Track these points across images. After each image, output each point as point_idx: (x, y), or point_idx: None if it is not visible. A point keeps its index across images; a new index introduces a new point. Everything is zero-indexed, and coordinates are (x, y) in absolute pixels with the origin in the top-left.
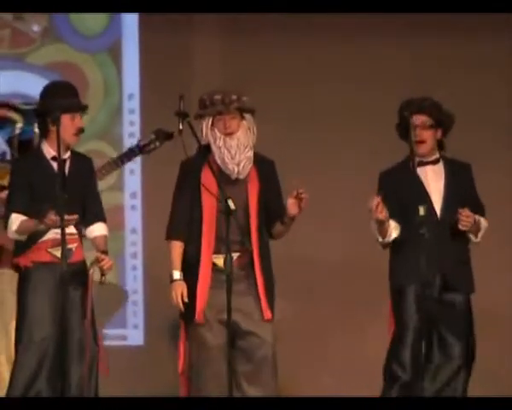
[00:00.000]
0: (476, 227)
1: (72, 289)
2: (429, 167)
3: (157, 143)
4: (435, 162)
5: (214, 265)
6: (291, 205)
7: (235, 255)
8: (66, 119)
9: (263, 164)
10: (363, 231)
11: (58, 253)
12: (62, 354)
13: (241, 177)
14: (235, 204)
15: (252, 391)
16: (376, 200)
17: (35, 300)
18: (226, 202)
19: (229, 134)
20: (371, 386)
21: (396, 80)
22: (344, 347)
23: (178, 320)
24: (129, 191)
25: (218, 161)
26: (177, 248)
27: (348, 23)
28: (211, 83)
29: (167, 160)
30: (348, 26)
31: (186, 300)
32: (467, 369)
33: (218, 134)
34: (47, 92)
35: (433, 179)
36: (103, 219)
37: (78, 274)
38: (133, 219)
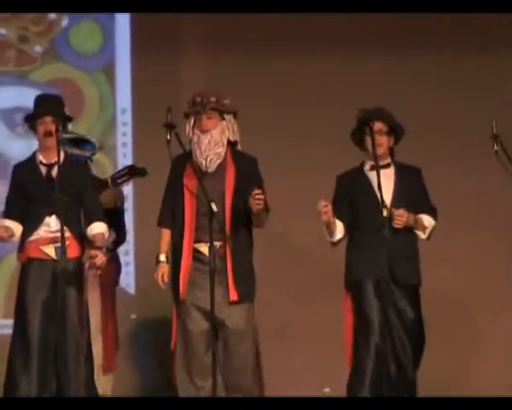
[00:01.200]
0: (419, 225)
1: (66, 285)
2: (381, 171)
3: (127, 177)
4: (387, 167)
5: (199, 252)
6: (251, 204)
7: (217, 244)
8: (39, 124)
9: (243, 160)
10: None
11: (49, 250)
12: (56, 346)
13: (210, 170)
14: (213, 197)
15: (232, 376)
16: (322, 203)
17: (28, 293)
18: (209, 204)
19: (204, 132)
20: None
21: (373, 94)
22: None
23: (166, 313)
24: None
25: (193, 155)
26: (165, 234)
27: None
28: None
29: (156, 166)
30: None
31: (166, 280)
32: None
33: (197, 132)
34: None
35: (384, 182)
36: (101, 219)
37: (69, 269)
38: (126, 220)
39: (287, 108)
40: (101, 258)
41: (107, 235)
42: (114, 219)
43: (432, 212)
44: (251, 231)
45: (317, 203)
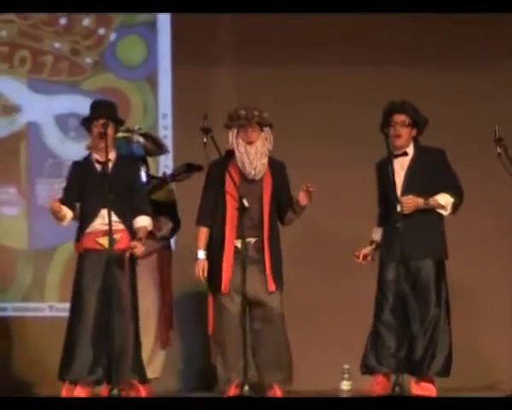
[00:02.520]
0: (433, 205)
1: (116, 271)
2: (398, 159)
3: (186, 174)
4: (404, 155)
5: (236, 247)
6: (302, 197)
7: (252, 240)
8: (94, 126)
9: (275, 166)
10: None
11: (103, 241)
12: (107, 327)
13: (257, 178)
14: (252, 199)
15: (262, 350)
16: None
17: (85, 280)
18: (241, 200)
19: (249, 143)
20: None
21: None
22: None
23: (202, 295)
24: None
25: (239, 164)
26: (203, 232)
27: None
28: (228, 104)
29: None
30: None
31: (206, 275)
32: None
33: (241, 142)
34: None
35: (398, 170)
36: (146, 213)
37: (121, 259)
38: None
39: (312, 113)
40: (139, 249)
41: (150, 228)
42: (171, 211)
43: (450, 189)
44: (278, 226)
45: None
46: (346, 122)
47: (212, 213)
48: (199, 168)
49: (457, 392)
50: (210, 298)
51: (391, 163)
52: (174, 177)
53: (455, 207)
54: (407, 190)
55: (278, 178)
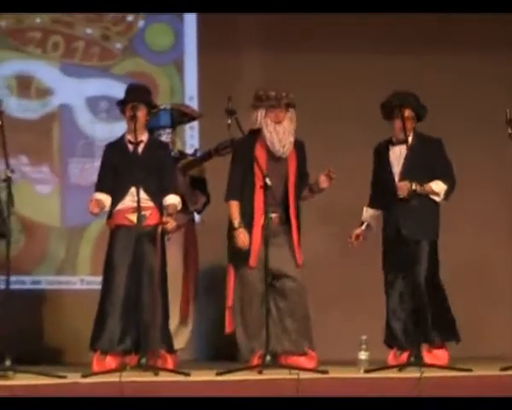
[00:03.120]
0: (428, 191)
1: (146, 246)
2: (397, 146)
3: (230, 149)
4: (403, 143)
5: (262, 224)
6: (323, 180)
7: (274, 215)
8: (127, 109)
9: (298, 145)
10: None
11: (133, 217)
12: (137, 299)
13: (284, 156)
14: (277, 176)
15: (288, 323)
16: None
17: (116, 254)
18: (265, 179)
19: (278, 122)
20: None
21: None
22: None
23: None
24: None
25: (268, 143)
26: (234, 206)
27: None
28: (251, 87)
29: None
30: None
31: (247, 242)
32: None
33: (270, 122)
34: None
35: (397, 155)
36: (175, 192)
37: (150, 234)
38: None
39: (334, 96)
40: (171, 224)
41: (179, 207)
42: (203, 187)
43: (444, 177)
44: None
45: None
46: (367, 105)
47: (240, 189)
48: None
49: (467, 361)
50: (230, 270)
51: (389, 149)
52: (218, 151)
53: (447, 194)
54: (405, 175)
55: (300, 155)
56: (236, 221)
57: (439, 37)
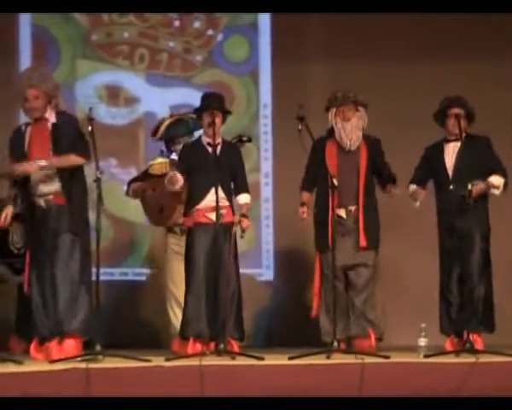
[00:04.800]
0: (490, 187)
1: (223, 243)
2: (450, 144)
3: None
4: (456, 141)
5: (338, 216)
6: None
7: (352, 208)
8: (204, 115)
9: (371, 142)
10: None
11: (212, 216)
12: (215, 290)
13: (352, 149)
14: (349, 169)
15: (357, 307)
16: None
17: (194, 251)
18: (332, 179)
19: (346, 120)
20: None
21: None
22: None
23: (299, 260)
24: (263, 172)
25: (337, 138)
26: (306, 195)
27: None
28: (321, 95)
29: (289, 151)
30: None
31: (305, 216)
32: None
33: (339, 120)
34: (201, 100)
35: (450, 152)
36: (247, 191)
37: (227, 231)
38: (266, 191)
39: (398, 102)
40: (246, 223)
41: (251, 205)
42: None
43: (499, 171)
44: (375, 194)
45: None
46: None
47: (313, 182)
48: (249, 140)
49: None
50: (317, 258)
51: (444, 146)
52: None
53: (505, 186)
54: (457, 170)
55: (373, 150)
56: (302, 201)
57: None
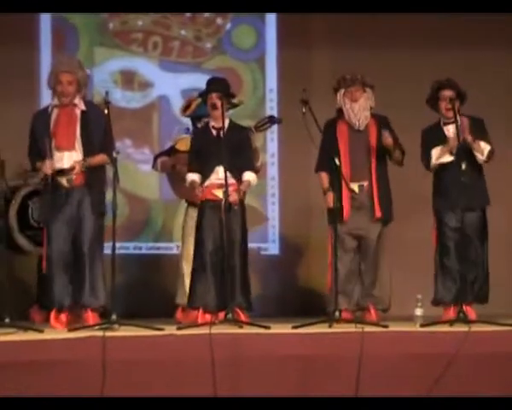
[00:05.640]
0: (477, 145)
1: (230, 218)
2: (451, 126)
3: (268, 125)
4: (453, 123)
5: (352, 190)
6: (385, 137)
7: (364, 183)
8: (209, 98)
9: (380, 119)
10: None
11: (218, 193)
12: (222, 262)
13: (361, 128)
14: (360, 146)
15: (367, 277)
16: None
17: (203, 226)
18: (333, 160)
19: (354, 101)
20: None
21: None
22: None
23: (303, 235)
24: (269, 153)
25: (346, 117)
26: (324, 176)
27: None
28: (323, 80)
29: (294, 132)
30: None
31: (332, 204)
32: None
33: (347, 101)
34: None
35: (449, 133)
36: (251, 169)
37: (235, 208)
38: (272, 171)
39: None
40: (233, 197)
41: (254, 183)
42: None
43: (487, 141)
44: (387, 170)
45: None
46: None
47: (327, 162)
48: (279, 121)
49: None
50: (330, 232)
51: (443, 130)
52: (257, 128)
53: (489, 155)
54: (459, 150)
55: (382, 128)
56: (325, 186)
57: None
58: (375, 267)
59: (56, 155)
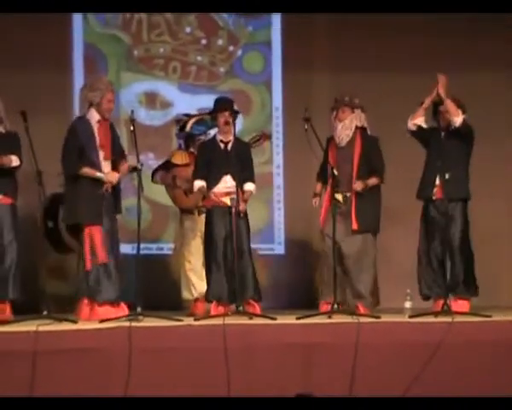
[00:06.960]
0: (452, 112)
1: (238, 222)
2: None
3: (259, 142)
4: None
5: (335, 199)
6: (357, 185)
7: (348, 194)
8: (219, 116)
9: (368, 139)
10: None
11: (226, 200)
12: (232, 262)
13: (343, 144)
14: (345, 161)
15: (350, 278)
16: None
17: (213, 229)
18: (332, 170)
19: (339, 120)
20: None
21: None
22: None
23: (305, 238)
24: (275, 164)
25: (334, 135)
26: (319, 186)
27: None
28: (324, 100)
29: (297, 146)
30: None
31: (318, 203)
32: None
33: (335, 120)
34: (214, 103)
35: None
36: (252, 181)
37: (238, 213)
38: (278, 180)
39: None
40: (242, 206)
41: (254, 192)
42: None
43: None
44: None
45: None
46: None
47: (324, 174)
48: (269, 137)
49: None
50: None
51: (441, 135)
52: (250, 144)
53: (463, 122)
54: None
55: (368, 146)
56: (313, 192)
57: None
58: (359, 271)
59: (102, 164)
